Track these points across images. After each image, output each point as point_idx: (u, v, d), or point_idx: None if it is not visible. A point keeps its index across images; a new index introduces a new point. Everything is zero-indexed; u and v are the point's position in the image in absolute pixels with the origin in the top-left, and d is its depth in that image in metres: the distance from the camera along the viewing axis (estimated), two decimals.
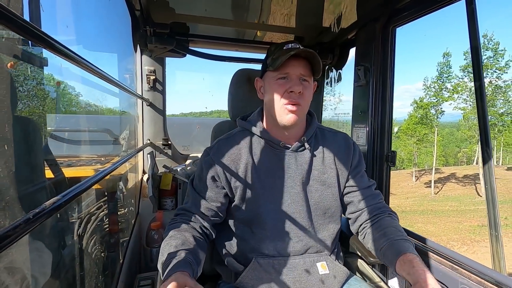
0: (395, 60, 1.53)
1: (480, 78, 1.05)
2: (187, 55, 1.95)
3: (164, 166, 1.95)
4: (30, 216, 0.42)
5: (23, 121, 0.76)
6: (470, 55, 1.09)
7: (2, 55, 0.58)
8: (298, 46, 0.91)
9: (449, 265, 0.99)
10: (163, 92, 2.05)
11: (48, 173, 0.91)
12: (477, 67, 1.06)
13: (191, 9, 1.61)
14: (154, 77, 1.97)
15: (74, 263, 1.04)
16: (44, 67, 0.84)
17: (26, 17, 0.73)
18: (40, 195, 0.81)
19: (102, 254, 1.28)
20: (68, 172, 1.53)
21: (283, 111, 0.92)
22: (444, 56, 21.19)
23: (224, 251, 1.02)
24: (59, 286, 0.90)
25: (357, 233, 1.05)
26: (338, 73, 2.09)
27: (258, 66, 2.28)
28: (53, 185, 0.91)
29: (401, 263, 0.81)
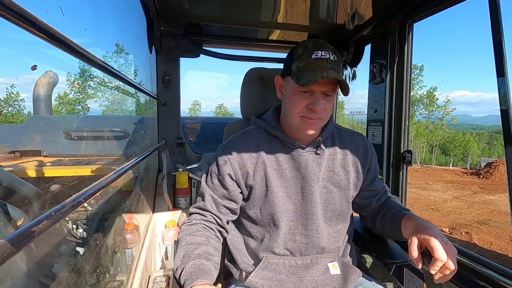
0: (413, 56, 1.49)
1: (504, 73, 1.01)
2: (201, 55, 1.97)
3: (178, 165, 1.98)
4: (51, 213, 0.44)
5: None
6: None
7: None
8: (327, 56, 0.82)
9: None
10: (177, 92, 2.07)
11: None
12: (500, 63, 1.01)
13: (206, 10, 1.62)
14: (168, 77, 2.00)
15: (91, 259, 1.07)
16: None
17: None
18: None
19: (119, 250, 1.31)
20: (85, 171, 1.58)
21: (302, 124, 0.88)
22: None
23: (235, 250, 1.02)
24: (76, 280, 0.93)
25: (366, 225, 1.13)
26: (352, 71, 2.06)
27: (271, 65, 2.25)
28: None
29: (404, 223, 0.91)
